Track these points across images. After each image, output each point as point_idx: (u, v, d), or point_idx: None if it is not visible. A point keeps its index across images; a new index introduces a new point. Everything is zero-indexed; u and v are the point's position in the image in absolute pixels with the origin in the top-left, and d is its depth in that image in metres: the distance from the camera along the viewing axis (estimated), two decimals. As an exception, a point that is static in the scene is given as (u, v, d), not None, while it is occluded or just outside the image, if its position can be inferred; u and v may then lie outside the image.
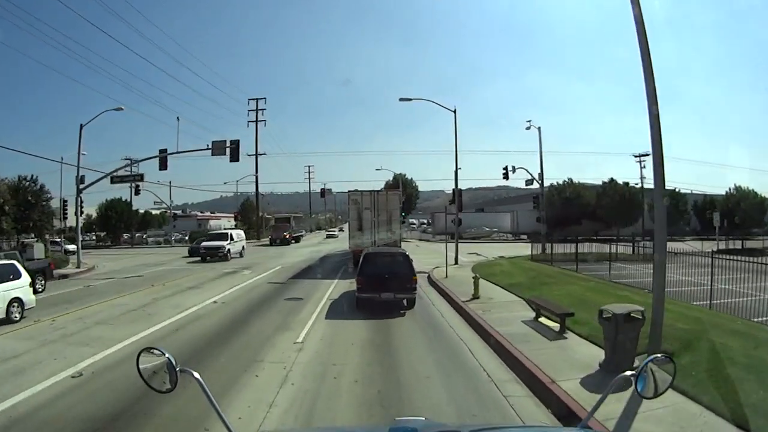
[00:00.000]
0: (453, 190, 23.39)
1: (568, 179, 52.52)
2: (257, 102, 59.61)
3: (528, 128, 33.29)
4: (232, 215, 58.60)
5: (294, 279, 18.78)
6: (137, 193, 49.18)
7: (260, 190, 61.50)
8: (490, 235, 51.46)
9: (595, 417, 4.03)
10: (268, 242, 47.21)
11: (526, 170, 33.94)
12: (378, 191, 25.40)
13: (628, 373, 1.98)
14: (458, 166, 23.39)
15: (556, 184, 52.60)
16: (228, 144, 24.35)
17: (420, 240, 51.47)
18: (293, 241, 47.98)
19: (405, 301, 12.04)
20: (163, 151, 26.56)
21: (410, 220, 73.28)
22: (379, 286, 11.57)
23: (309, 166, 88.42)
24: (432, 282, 17.20)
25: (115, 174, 27.19)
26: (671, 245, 22.80)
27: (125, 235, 58.17)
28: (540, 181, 31.71)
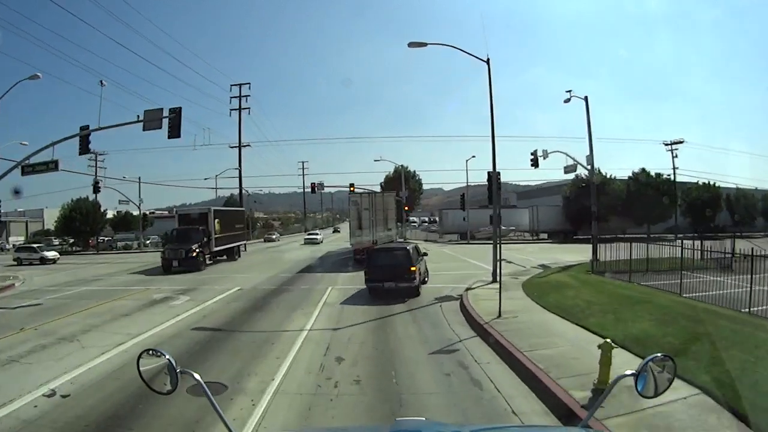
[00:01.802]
0: (489, 173, 16.08)
1: (596, 170, 45.14)
2: (240, 87, 52.31)
3: (568, 100, 25.90)
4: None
5: (241, 321, 11.44)
6: (96, 191, 42.10)
7: (256, 189, 54.52)
8: (507, 235, 44.13)
9: (595, 417, 3.27)
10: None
11: (566, 154, 26.71)
12: (375, 193, 27.07)
13: (629, 372, 1.93)
14: (495, 137, 15.93)
15: (582, 176, 45.27)
16: (166, 114, 16.96)
17: (426, 241, 43.98)
18: (221, 258, 27.11)
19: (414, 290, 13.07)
20: (84, 128, 19.19)
21: (410, 218, 65.94)
22: (383, 277, 12.91)
23: (303, 162, 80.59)
24: (475, 324, 9.69)
25: (26, 163, 19.84)
26: (741, 244, 15.61)
27: (99, 239, 50.78)
28: (589, 167, 24.39)
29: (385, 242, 25.12)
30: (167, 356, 1.94)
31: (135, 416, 5.45)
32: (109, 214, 57.54)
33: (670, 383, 1.96)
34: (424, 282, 14.86)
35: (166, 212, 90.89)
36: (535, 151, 29.64)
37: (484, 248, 32.77)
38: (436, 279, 16.50)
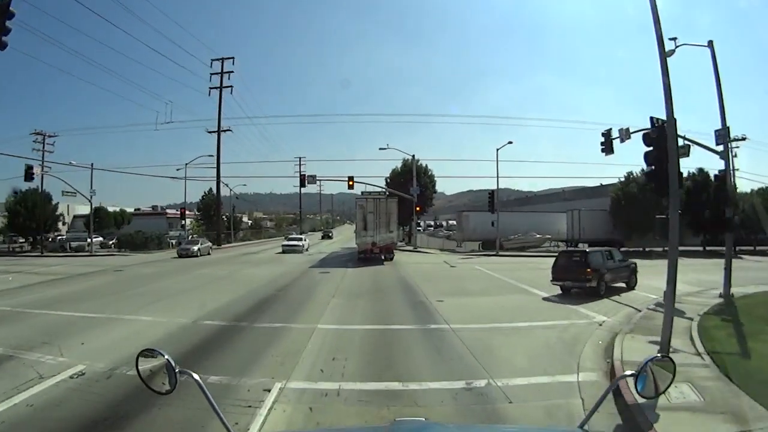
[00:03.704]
0: (654, 122, 7.50)
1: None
2: (222, 62, 43.86)
3: (671, 52, 17.24)
4: (179, 212, 42.11)
5: None
6: (28, 178, 33.39)
7: (256, 189, 45.95)
8: (541, 244, 35.53)
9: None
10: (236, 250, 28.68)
11: (684, 138, 18.01)
12: (379, 198, 27.53)
13: (628, 372, 1.91)
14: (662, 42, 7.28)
15: (632, 175, 36.64)
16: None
17: (443, 250, 35.04)
18: None
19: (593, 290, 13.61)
20: None
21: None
22: (564, 277, 14.03)
23: (299, 158, 71.51)
24: None
25: None
26: None
27: (46, 238, 42.18)
28: (720, 148, 15.55)
29: (387, 244, 25.45)
30: (166, 356, 1.84)
31: None
32: (83, 210, 49.42)
33: (670, 384, 1.90)
34: (632, 287, 15.39)
35: (150, 209, 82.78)
36: (608, 131, 21.06)
37: (529, 264, 23.68)
38: (511, 348, 7.88)
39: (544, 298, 13.19)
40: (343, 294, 13.56)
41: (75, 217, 63.10)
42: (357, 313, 10.43)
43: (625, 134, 20.63)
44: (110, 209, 68.17)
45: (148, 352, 1.94)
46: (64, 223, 68.71)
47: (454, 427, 2.07)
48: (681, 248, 26.07)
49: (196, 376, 1.82)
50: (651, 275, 19.70)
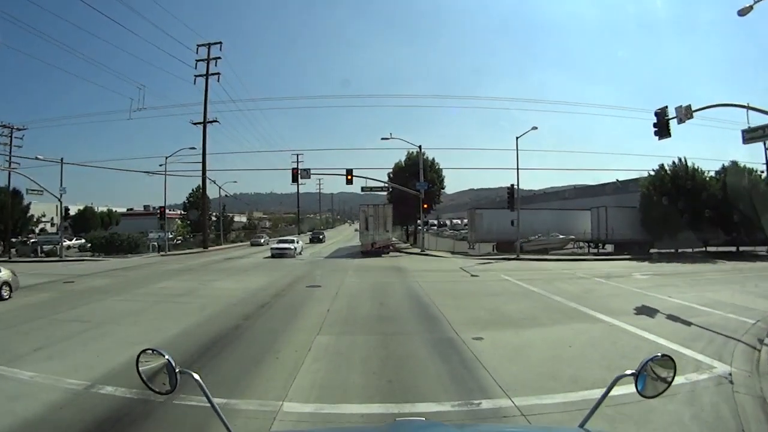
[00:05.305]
0: None
1: (682, 159, 32.50)
2: (209, 48, 40.08)
3: (749, 9, 13.49)
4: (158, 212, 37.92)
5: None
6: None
7: (256, 189, 42.18)
8: (565, 245, 31.56)
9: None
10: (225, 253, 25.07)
11: (747, 107, 14.21)
12: (378, 204, 33.36)
13: (629, 372, 1.82)
14: None
15: (665, 167, 32.59)
16: None
17: (454, 253, 30.95)
18: None
19: None
20: None
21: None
22: None
23: (297, 154, 67.52)
24: None
25: None
26: None
27: (15, 240, 38.42)
28: None
29: (385, 243, 31.21)
30: (167, 356, 1.80)
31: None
32: (72, 211, 45.77)
33: (670, 384, 1.83)
34: None
35: (143, 209, 79.21)
36: (664, 109, 17.14)
37: (563, 271, 19.07)
38: None
39: (621, 330, 9.26)
40: (335, 325, 9.60)
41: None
42: (353, 372, 6.44)
43: (685, 113, 16.73)
44: (99, 209, 64.56)
45: (149, 351, 1.86)
46: (52, 224, 65.17)
47: (454, 427, 2.01)
48: (711, 249, 22.29)
49: (196, 376, 1.79)
50: (710, 285, 15.80)
